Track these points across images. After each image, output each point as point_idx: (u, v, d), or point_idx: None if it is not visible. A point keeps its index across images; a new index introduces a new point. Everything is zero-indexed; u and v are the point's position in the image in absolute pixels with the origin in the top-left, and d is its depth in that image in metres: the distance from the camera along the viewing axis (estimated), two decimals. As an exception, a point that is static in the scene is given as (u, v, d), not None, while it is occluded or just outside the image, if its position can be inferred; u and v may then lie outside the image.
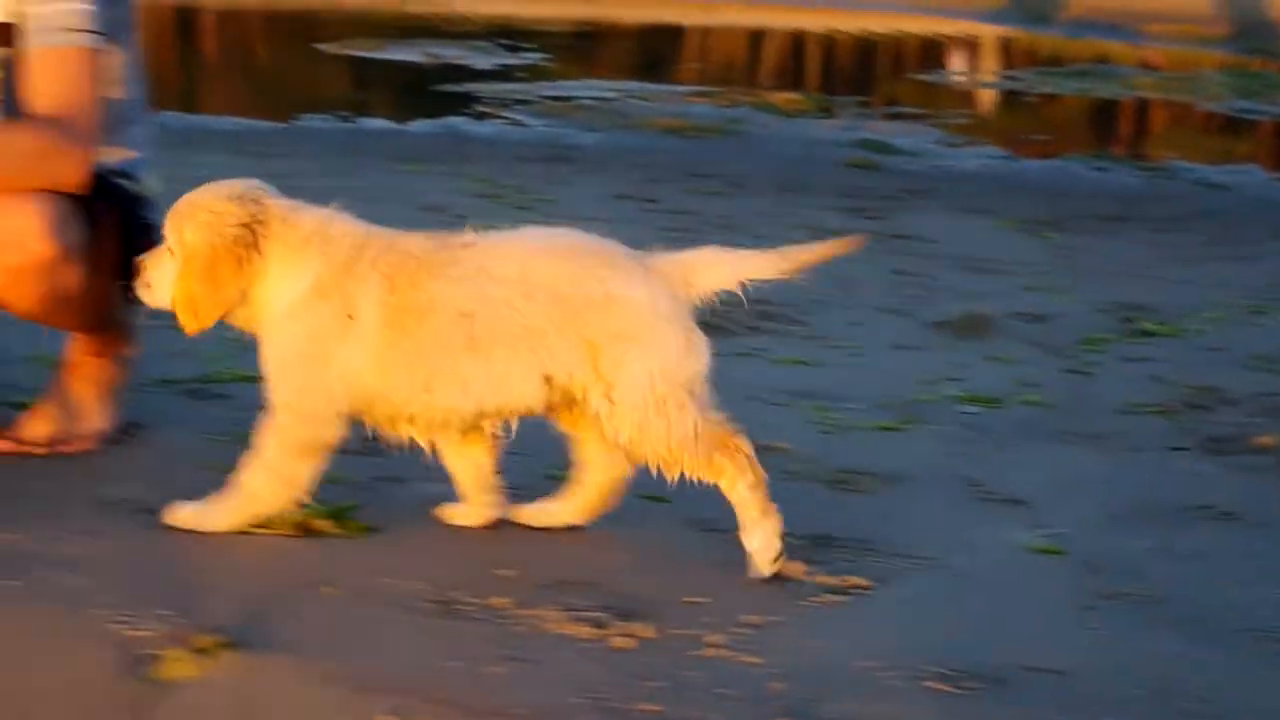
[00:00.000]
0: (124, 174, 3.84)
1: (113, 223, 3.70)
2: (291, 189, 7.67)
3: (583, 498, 3.52)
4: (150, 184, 3.93)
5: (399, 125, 12.37)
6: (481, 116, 13.02)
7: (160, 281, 3.35)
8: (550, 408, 3.34)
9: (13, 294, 3.56)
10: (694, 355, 3.28)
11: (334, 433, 3.30)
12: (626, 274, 3.29)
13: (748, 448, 3.30)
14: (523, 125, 12.67)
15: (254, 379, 4.32)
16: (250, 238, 3.25)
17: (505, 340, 3.23)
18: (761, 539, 3.30)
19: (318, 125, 12.17)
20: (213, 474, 3.41)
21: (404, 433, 3.35)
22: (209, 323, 3.33)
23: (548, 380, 3.26)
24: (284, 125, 12.06)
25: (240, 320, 3.36)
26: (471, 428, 3.39)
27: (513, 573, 3.25)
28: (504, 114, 13.22)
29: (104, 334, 3.86)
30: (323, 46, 17.54)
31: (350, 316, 3.24)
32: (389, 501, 3.63)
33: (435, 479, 3.54)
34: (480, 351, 3.23)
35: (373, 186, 8.17)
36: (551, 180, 9.48)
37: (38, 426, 3.86)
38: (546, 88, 15.04)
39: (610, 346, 3.23)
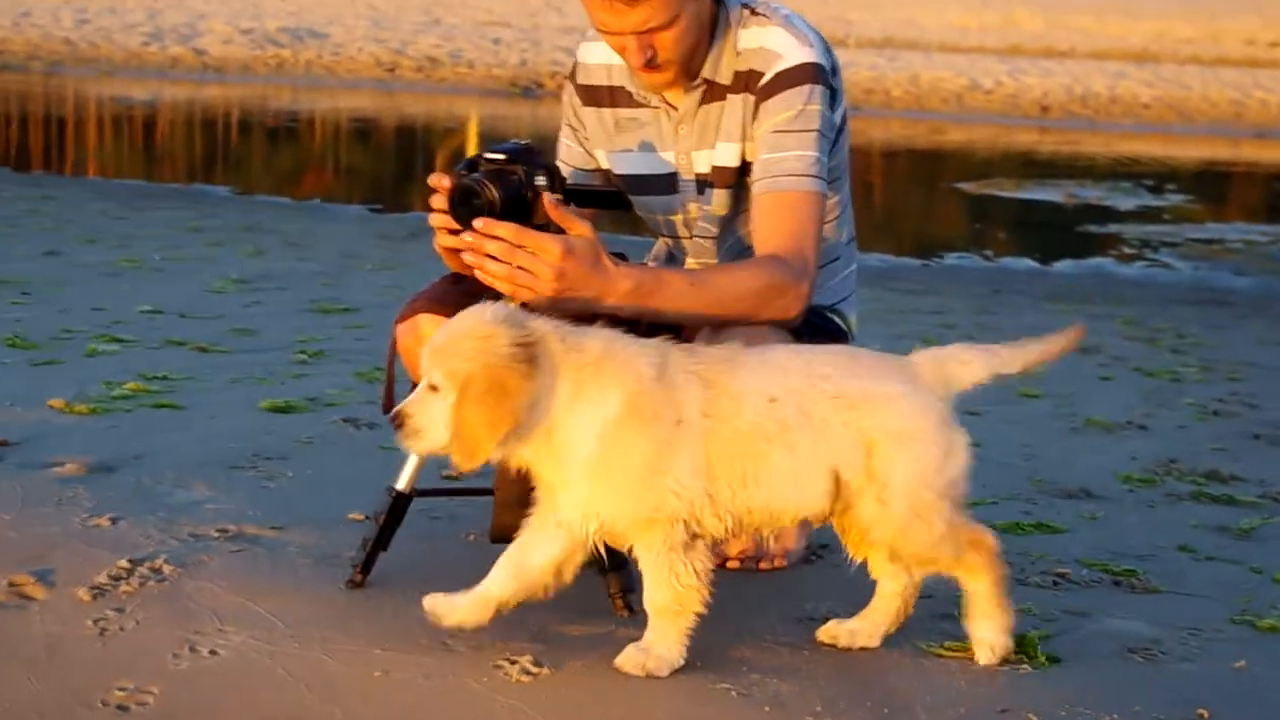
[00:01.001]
0: (832, 310, 4.09)
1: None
2: (942, 326, 7.89)
3: (883, 611, 3.53)
4: (852, 321, 4.18)
5: (1043, 265, 12.43)
6: (1128, 258, 12.92)
7: (431, 423, 3.22)
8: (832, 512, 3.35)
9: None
10: (955, 457, 3.32)
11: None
12: (899, 373, 3.34)
13: (994, 544, 3.35)
14: (1170, 267, 12.49)
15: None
16: (528, 357, 3.17)
17: (801, 428, 3.25)
18: (990, 631, 3.39)
19: (962, 263, 12.40)
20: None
21: (715, 531, 3.31)
22: (486, 455, 3.20)
23: (834, 475, 3.28)
24: (928, 263, 12.35)
25: (520, 455, 3.28)
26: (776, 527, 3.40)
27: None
28: (1150, 255, 13.07)
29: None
30: (963, 185, 17.81)
31: (679, 422, 3.22)
32: (1076, 634, 3.69)
33: (1122, 614, 3.59)
34: (787, 438, 3.25)
35: (1021, 326, 8.27)
36: (1206, 325, 9.33)
37: (736, 545, 4.13)
38: (1191, 229, 14.77)
39: (885, 444, 3.27)
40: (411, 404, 3.27)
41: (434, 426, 3.23)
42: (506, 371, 3.16)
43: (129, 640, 3.46)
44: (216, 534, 4.10)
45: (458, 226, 3.66)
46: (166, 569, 3.82)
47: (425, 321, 3.96)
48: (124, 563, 3.82)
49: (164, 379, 5.96)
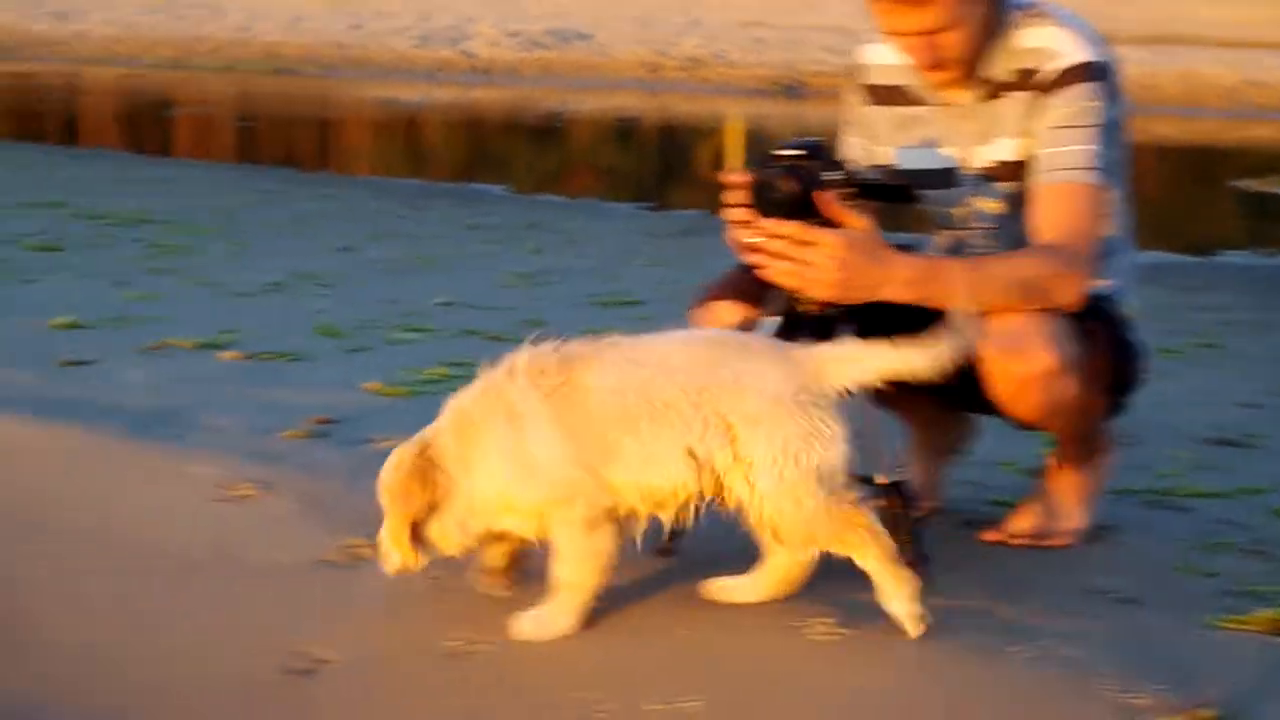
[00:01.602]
0: (1110, 298, 4.25)
1: (1102, 340, 4.09)
2: (1221, 323, 7.88)
3: (769, 578, 3.69)
4: (1132, 307, 4.33)
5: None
6: None
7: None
8: (704, 491, 3.53)
9: (1016, 400, 4.00)
10: (821, 440, 3.48)
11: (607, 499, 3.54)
12: (759, 361, 3.53)
13: (869, 521, 3.49)
14: None
15: (1212, 495, 4.66)
16: (422, 464, 3.64)
17: (646, 414, 3.48)
18: (900, 603, 3.49)
19: (1240, 261, 12.29)
20: (1190, 577, 3.74)
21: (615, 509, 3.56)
22: (404, 557, 3.62)
23: (691, 454, 3.48)
24: (1205, 260, 12.26)
25: None
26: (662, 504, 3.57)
27: None
28: None
29: (1088, 441, 4.26)
30: (1240, 182, 17.52)
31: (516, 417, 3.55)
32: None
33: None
34: (632, 424, 3.49)
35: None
36: None
37: (1023, 522, 4.31)
38: None
39: (742, 427, 3.47)
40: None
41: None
42: (408, 480, 3.61)
43: (462, 597, 3.79)
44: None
45: (750, 220, 3.91)
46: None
47: (719, 308, 4.22)
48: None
49: (466, 365, 6.31)
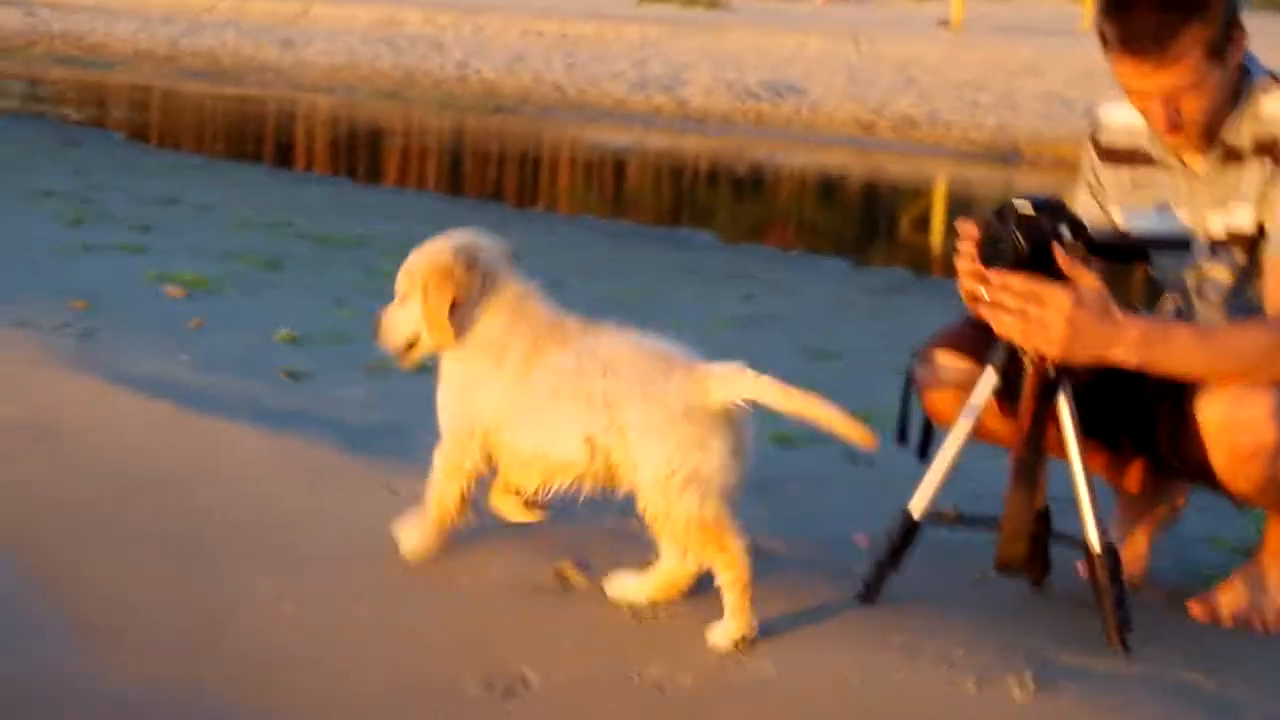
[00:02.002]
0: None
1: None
2: None
3: (656, 581, 3.99)
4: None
5: None
6: None
7: (395, 324, 4.21)
8: (597, 476, 3.95)
9: (1236, 472, 3.94)
10: (701, 455, 3.79)
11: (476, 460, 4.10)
12: (664, 376, 3.83)
13: (738, 547, 3.77)
14: None
15: None
16: (468, 261, 4.08)
17: (565, 397, 3.91)
18: (722, 632, 3.74)
19: None
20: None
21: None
22: (446, 332, 4.06)
23: (589, 441, 3.89)
24: None
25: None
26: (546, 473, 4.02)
27: None
28: None
29: (1303, 519, 4.18)
30: None
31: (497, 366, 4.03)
32: None
33: None
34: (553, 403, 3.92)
35: None
36: None
37: (1230, 598, 4.24)
38: None
39: (631, 432, 3.83)
40: (383, 314, 4.21)
41: (398, 325, 4.18)
42: (451, 267, 4.05)
43: (662, 627, 3.84)
44: (736, 544, 4.45)
45: (981, 272, 3.92)
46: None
47: (941, 360, 4.24)
48: (652, 558, 4.20)
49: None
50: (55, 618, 3.97)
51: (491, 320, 4.08)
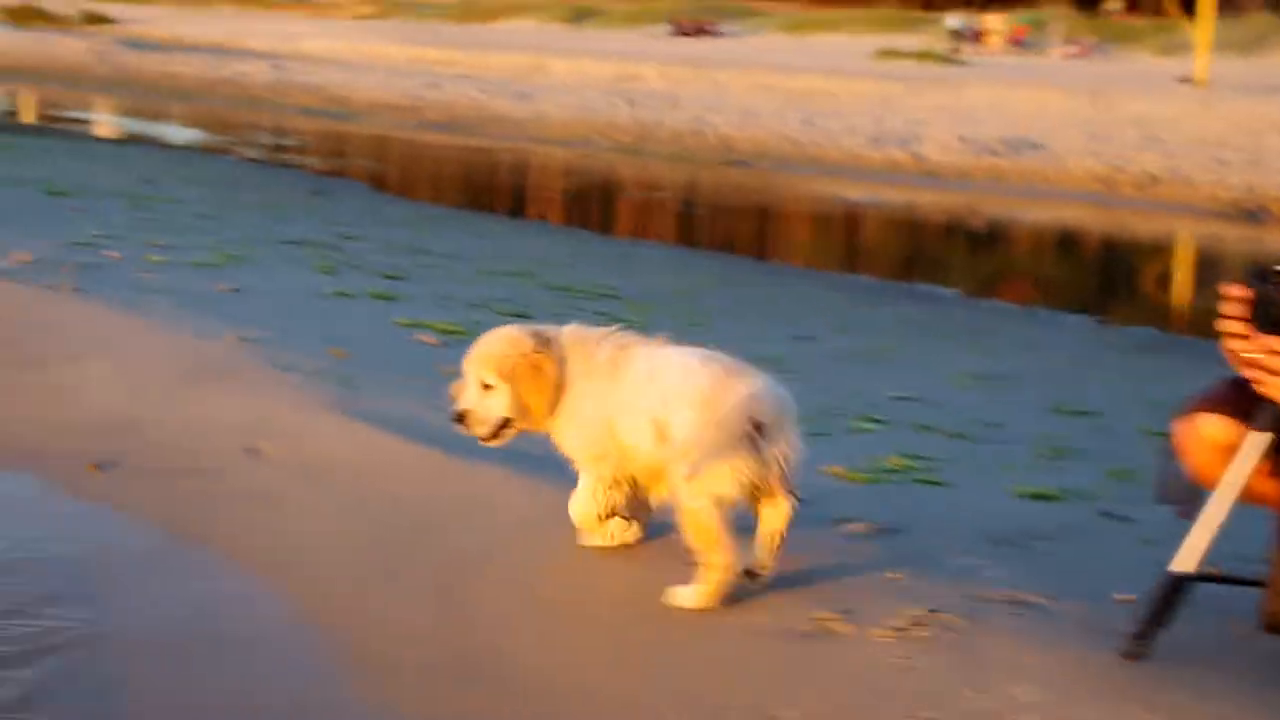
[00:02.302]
0: None
1: None
2: None
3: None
4: None
5: None
6: None
7: (487, 411, 4.64)
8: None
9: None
10: (726, 456, 4.22)
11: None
12: (707, 386, 4.31)
13: (726, 537, 4.25)
14: None
15: None
16: (546, 349, 4.57)
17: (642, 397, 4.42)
18: (688, 595, 4.28)
19: None
20: None
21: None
22: (542, 417, 4.60)
23: (655, 424, 4.40)
24: None
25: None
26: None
27: None
28: None
29: None
30: None
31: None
32: None
33: None
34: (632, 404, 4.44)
35: None
36: None
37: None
38: None
39: (671, 423, 4.33)
40: (468, 402, 4.63)
41: (490, 413, 4.60)
42: (538, 358, 4.53)
43: (925, 676, 3.84)
44: (996, 597, 4.43)
45: (1248, 334, 3.85)
46: (956, 622, 4.18)
47: (1204, 421, 4.17)
48: (918, 611, 4.21)
49: (924, 459, 6.37)
50: (329, 649, 4.10)
51: (575, 367, 4.59)
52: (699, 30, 68.07)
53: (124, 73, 44.22)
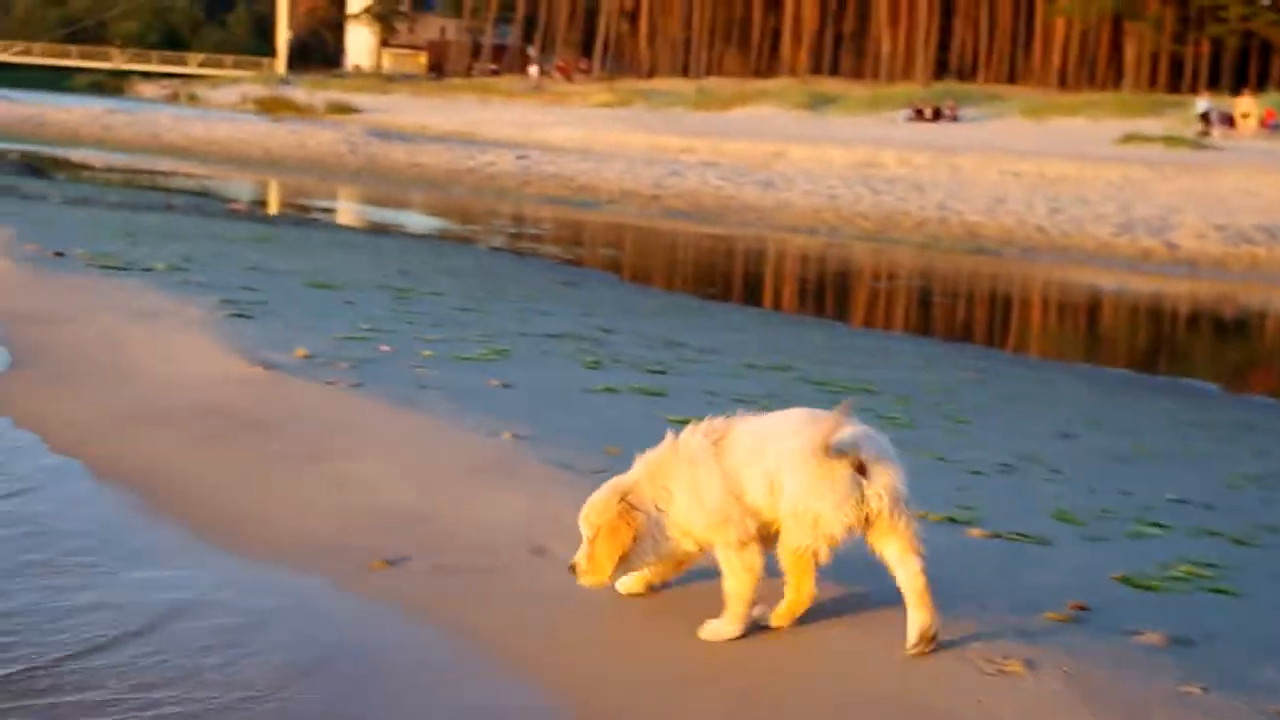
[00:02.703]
0: None
1: None
2: None
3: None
4: None
5: None
6: None
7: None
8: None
9: None
10: (823, 499, 4.82)
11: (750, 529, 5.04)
12: (808, 437, 4.83)
13: (810, 568, 4.92)
14: None
15: None
16: (628, 509, 5.20)
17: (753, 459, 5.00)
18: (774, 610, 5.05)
19: None
20: None
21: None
22: (608, 575, 5.21)
23: (767, 477, 4.96)
24: None
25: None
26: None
27: None
28: None
29: None
30: None
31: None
32: None
33: None
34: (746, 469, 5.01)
35: None
36: None
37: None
38: None
39: (779, 478, 4.93)
40: (579, 554, 5.24)
41: (599, 564, 5.18)
42: (617, 520, 5.15)
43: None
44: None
45: None
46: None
47: None
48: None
49: (1211, 565, 6.26)
50: None
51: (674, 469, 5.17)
52: (938, 115, 67.80)
53: (374, 163, 45.54)
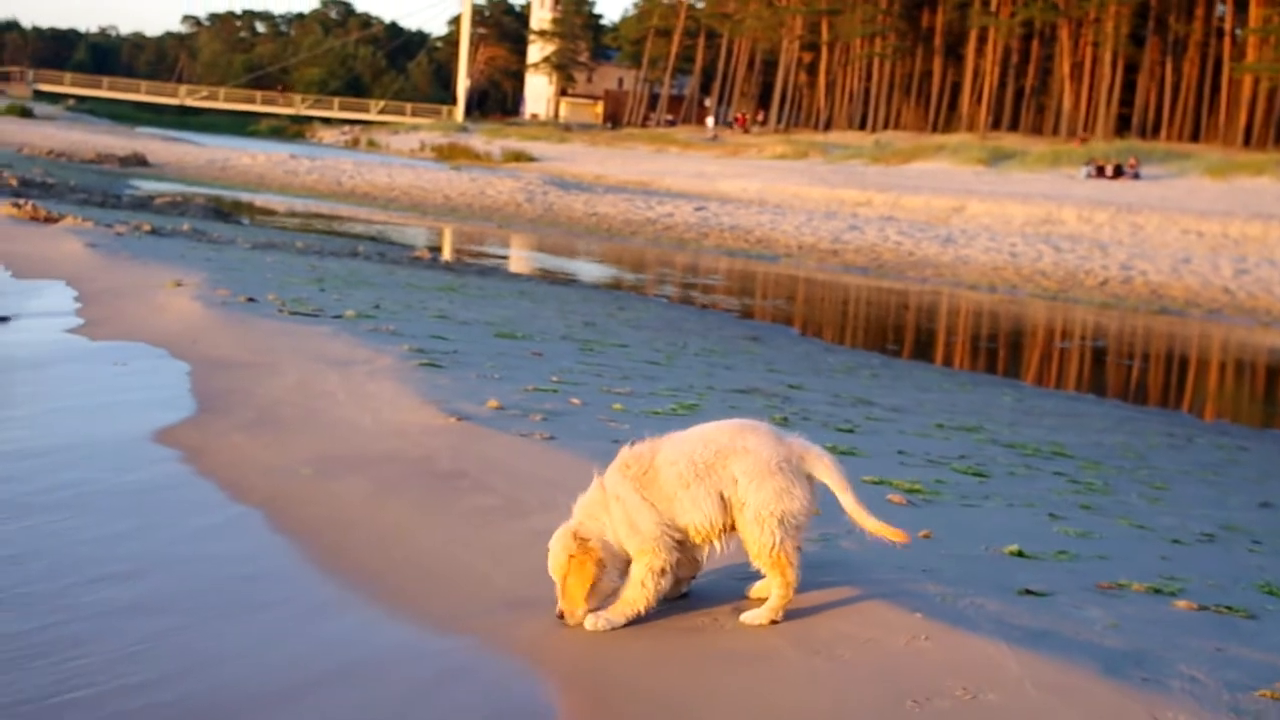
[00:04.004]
0: None
1: None
2: None
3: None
4: None
5: None
6: None
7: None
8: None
9: None
10: (789, 499, 5.59)
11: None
12: (758, 438, 5.62)
13: (795, 562, 5.64)
14: None
15: None
16: (583, 543, 5.75)
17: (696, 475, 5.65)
18: (755, 616, 5.68)
19: None
20: None
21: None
22: (581, 607, 5.71)
23: (722, 497, 5.62)
24: None
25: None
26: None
27: None
28: None
29: None
30: None
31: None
32: None
33: None
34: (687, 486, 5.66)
35: None
36: None
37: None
38: None
39: (742, 481, 5.60)
40: (560, 603, 5.73)
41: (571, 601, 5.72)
42: (580, 555, 5.68)
43: None
44: None
45: None
46: None
47: None
48: None
49: None
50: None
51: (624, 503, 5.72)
52: (1119, 172, 66.89)
53: (552, 211, 46.03)
